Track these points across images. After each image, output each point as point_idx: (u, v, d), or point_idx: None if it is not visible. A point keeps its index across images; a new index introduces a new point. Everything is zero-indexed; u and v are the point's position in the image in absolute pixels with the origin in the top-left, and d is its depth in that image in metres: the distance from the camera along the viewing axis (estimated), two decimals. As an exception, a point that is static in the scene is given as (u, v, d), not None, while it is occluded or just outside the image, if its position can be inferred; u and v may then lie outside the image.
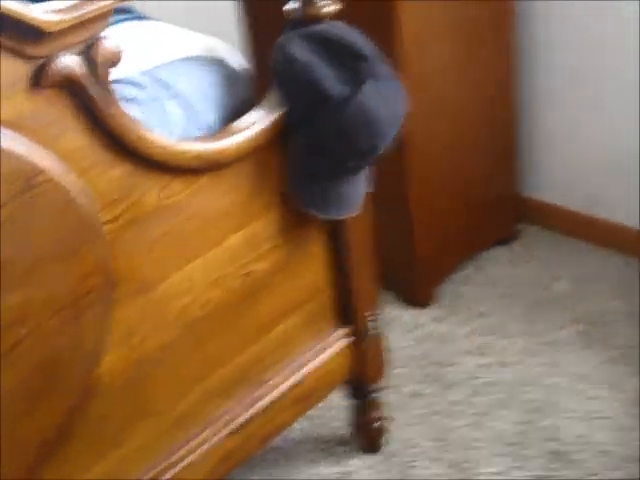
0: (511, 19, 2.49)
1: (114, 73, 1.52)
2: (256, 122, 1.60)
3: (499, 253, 2.74)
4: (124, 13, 1.86)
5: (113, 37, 1.34)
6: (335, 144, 1.58)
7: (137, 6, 1.93)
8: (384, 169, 2.30)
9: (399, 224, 2.45)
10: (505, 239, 2.76)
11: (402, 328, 2.49)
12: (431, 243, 2.50)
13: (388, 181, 2.38)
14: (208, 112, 1.62)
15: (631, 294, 2.47)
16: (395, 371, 2.33)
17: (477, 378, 2.30)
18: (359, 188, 1.70)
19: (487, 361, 2.34)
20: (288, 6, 1.62)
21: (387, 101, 1.59)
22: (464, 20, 2.35)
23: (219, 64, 1.68)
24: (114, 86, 1.53)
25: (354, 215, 1.75)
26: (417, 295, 2.55)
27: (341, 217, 1.73)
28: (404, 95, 1.65)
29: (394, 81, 1.62)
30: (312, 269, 1.81)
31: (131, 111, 1.52)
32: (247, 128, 1.59)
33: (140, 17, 1.88)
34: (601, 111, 2.55)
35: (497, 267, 2.68)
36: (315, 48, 1.57)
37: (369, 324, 1.93)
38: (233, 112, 1.67)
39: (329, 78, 1.55)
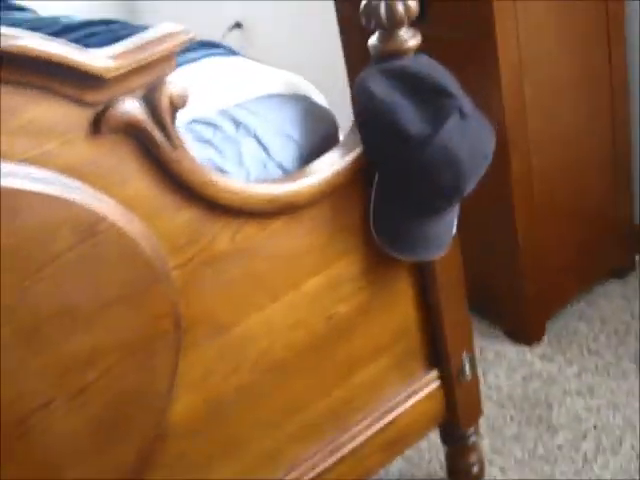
0: (620, 31, 2.37)
1: (190, 112, 1.51)
2: (334, 162, 1.55)
3: (613, 287, 2.60)
4: (212, 48, 1.84)
5: (178, 80, 1.30)
6: (416, 184, 1.52)
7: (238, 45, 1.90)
8: (492, 195, 2.25)
9: (507, 255, 2.36)
10: (620, 271, 2.63)
11: (507, 366, 2.39)
12: (540, 276, 2.40)
13: (496, 208, 2.31)
14: (287, 152, 1.58)
15: None
16: (497, 412, 2.23)
17: (585, 421, 2.18)
18: (447, 228, 1.63)
19: (596, 403, 2.22)
20: (371, 41, 1.57)
21: (471, 139, 1.51)
22: (576, 35, 2.25)
23: (300, 101, 1.64)
24: (189, 126, 1.52)
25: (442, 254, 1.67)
26: (524, 331, 2.45)
27: (429, 259, 1.66)
28: (491, 132, 1.57)
29: (479, 118, 1.54)
30: (399, 310, 1.75)
31: (206, 152, 1.50)
32: (323, 169, 1.54)
33: (229, 52, 1.85)
34: None
35: (611, 302, 2.55)
36: (396, 84, 1.51)
37: (462, 366, 1.84)
38: (315, 151, 1.62)
39: (409, 116, 1.49)
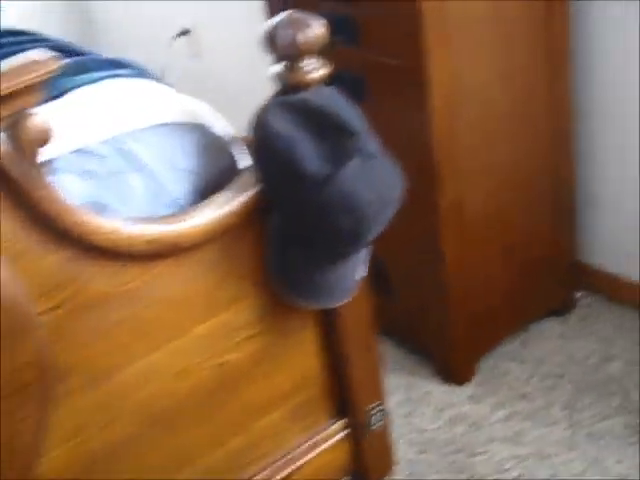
0: (564, 61, 2.26)
1: (74, 141, 1.39)
2: (225, 202, 1.43)
3: (551, 325, 2.50)
4: (120, 67, 1.71)
5: (42, 113, 1.19)
6: (314, 229, 1.41)
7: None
8: (420, 229, 2.14)
9: (435, 291, 2.25)
10: (559, 309, 2.52)
11: (434, 407, 2.28)
12: (471, 314, 2.29)
13: (424, 243, 2.20)
14: (182, 186, 1.46)
15: (691, 381, 2.21)
16: (418, 457, 2.12)
17: (509, 471, 2.07)
18: (353, 273, 1.52)
19: (522, 452, 2.11)
20: (273, 71, 1.45)
21: (375, 183, 1.40)
22: (515, 64, 2.15)
23: (198, 131, 1.52)
24: (72, 157, 1.40)
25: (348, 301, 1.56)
26: (453, 370, 2.34)
27: (332, 306, 1.55)
28: (398, 175, 1.45)
29: (386, 160, 1.43)
30: (301, 359, 1.64)
31: (87, 187, 1.38)
32: (213, 209, 1.42)
33: (137, 73, 1.72)
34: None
35: (546, 342, 2.44)
36: (296, 119, 1.40)
37: (371, 416, 1.73)
38: (213, 185, 1.50)
39: (308, 154, 1.38)
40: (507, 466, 2.08)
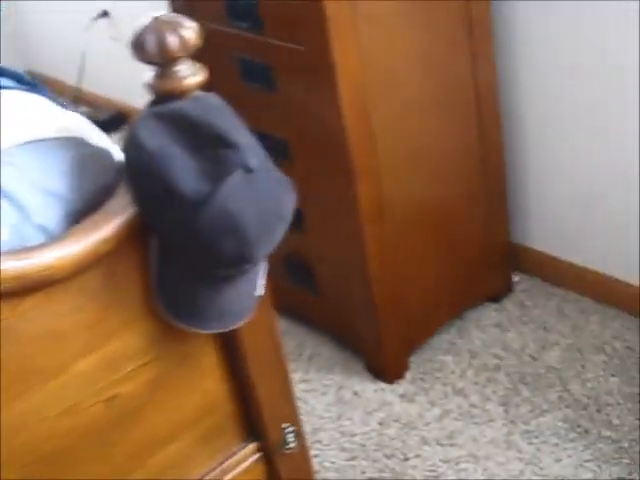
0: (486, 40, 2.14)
1: None
2: (102, 224, 1.30)
3: (487, 312, 2.40)
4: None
5: None
6: (195, 252, 1.28)
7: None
8: (340, 223, 2.03)
9: (360, 285, 2.14)
10: (496, 295, 2.42)
11: (364, 408, 2.18)
12: (401, 305, 2.18)
13: (345, 236, 2.09)
14: (51, 211, 1.32)
15: (633, 369, 2.11)
16: (347, 464, 2.02)
17: (441, 475, 1.97)
18: (246, 294, 1.40)
19: (456, 454, 2.01)
20: (145, 78, 1.32)
21: (260, 199, 1.27)
22: (433, 48, 2.02)
23: (72, 146, 1.38)
24: None
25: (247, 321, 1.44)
26: (385, 367, 2.23)
27: (225, 330, 1.42)
28: (288, 188, 1.33)
29: (273, 172, 1.31)
30: (202, 384, 1.52)
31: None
32: (88, 234, 1.29)
33: (19, 85, 1.57)
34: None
35: (483, 331, 2.34)
36: (170, 132, 1.27)
37: (284, 438, 1.62)
38: (91, 205, 1.36)
39: (183, 171, 1.24)
40: (441, 470, 1.99)
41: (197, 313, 1.37)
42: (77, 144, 1.39)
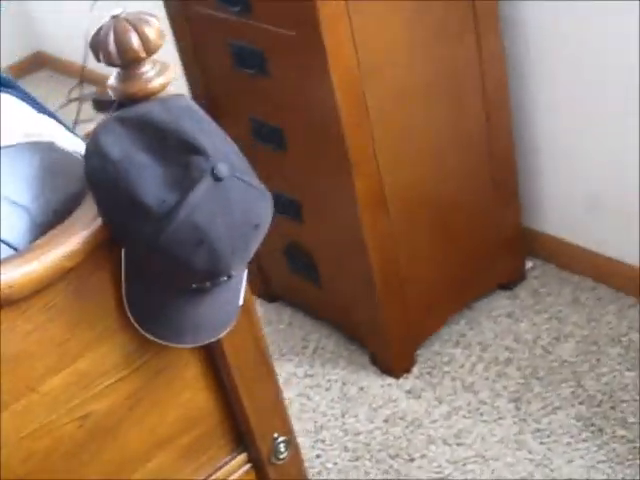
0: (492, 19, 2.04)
1: None
2: (69, 236, 1.23)
3: (499, 301, 2.30)
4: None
5: None
6: (163, 266, 1.20)
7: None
8: (341, 218, 1.95)
9: (363, 277, 2.06)
10: (508, 283, 2.33)
11: (369, 405, 2.11)
12: (407, 296, 2.09)
13: (346, 230, 2.01)
14: (14, 223, 1.25)
15: (651, 363, 2.02)
16: (351, 465, 1.95)
17: (448, 477, 1.90)
18: (222, 307, 1.32)
19: (463, 455, 1.94)
20: (109, 81, 1.24)
21: (232, 208, 1.19)
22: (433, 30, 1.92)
23: (39, 152, 1.30)
24: None
25: (229, 331, 1.37)
26: (391, 361, 2.15)
27: (203, 343, 1.35)
28: (263, 195, 1.25)
29: (247, 179, 1.22)
30: (185, 397, 1.45)
31: None
32: (53, 247, 1.21)
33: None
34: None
35: (494, 322, 2.25)
36: (135, 138, 1.19)
37: (275, 448, 1.55)
38: (60, 215, 1.29)
39: (148, 181, 1.17)
40: (447, 471, 1.91)
41: (170, 327, 1.30)
42: (46, 149, 1.32)
